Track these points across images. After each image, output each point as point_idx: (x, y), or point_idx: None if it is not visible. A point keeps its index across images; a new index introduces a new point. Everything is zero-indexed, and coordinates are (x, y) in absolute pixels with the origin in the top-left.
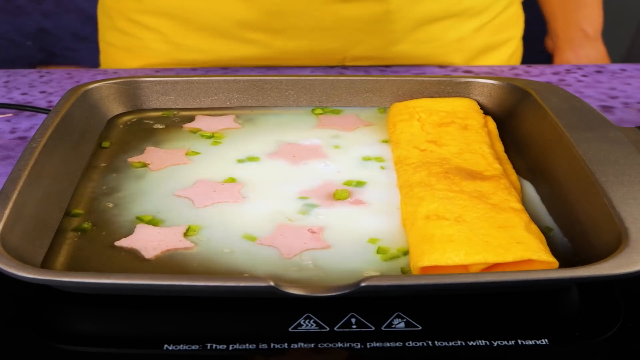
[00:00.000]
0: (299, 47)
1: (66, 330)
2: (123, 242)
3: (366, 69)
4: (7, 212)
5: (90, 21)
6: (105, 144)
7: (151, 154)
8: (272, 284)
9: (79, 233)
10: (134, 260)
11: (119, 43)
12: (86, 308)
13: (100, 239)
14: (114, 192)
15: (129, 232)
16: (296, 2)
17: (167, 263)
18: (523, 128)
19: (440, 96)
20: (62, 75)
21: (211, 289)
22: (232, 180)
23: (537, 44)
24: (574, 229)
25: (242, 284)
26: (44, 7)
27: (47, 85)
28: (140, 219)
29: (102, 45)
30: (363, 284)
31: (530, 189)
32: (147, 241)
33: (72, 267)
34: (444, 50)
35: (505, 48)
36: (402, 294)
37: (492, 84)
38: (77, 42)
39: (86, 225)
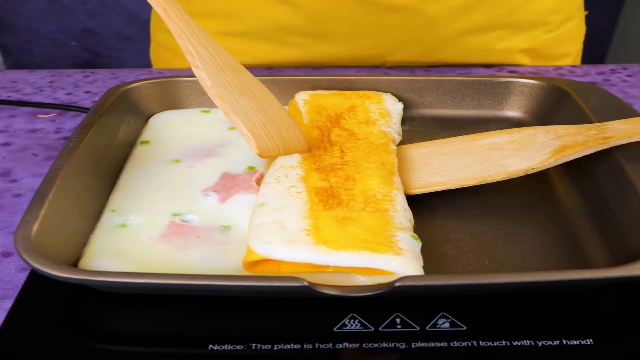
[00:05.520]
0: (339, 52)
1: (109, 330)
2: (160, 240)
3: (411, 69)
4: (42, 211)
5: (134, 21)
6: (145, 142)
7: (187, 151)
8: (306, 283)
9: (117, 231)
10: (171, 258)
11: (166, 44)
12: (128, 307)
13: (137, 236)
14: (151, 189)
15: (166, 229)
16: (339, 10)
17: (203, 261)
18: None
19: (480, 96)
20: (107, 75)
21: (246, 288)
22: (251, 168)
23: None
24: (611, 229)
25: (276, 284)
26: (89, 7)
27: (92, 85)
28: (175, 216)
29: (153, 46)
30: (397, 284)
31: (567, 186)
32: (183, 239)
33: (109, 265)
34: (491, 60)
35: (560, 63)
36: (438, 294)
37: (533, 83)
38: (121, 42)
39: (124, 223)
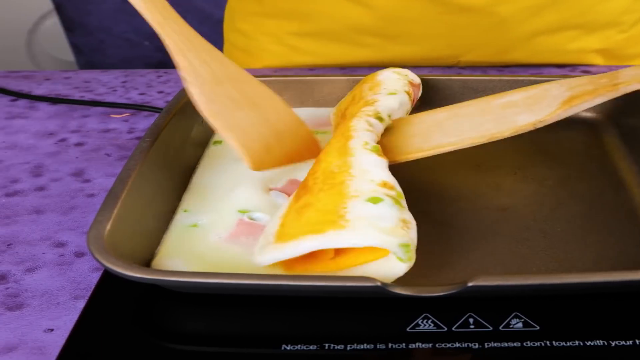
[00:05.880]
0: (412, 53)
1: (182, 330)
2: (230, 240)
3: (484, 69)
4: (115, 211)
5: (208, 21)
6: (218, 142)
7: None
8: (379, 283)
9: (189, 230)
10: (242, 258)
11: (239, 44)
12: (201, 307)
13: (208, 236)
14: (223, 189)
15: (235, 228)
16: (412, 10)
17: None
18: (634, 127)
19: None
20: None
21: (318, 288)
22: None
23: None
24: None
25: (349, 283)
26: None
27: (165, 85)
28: (243, 213)
29: (226, 46)
30: (470, 284)
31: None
32: (252, 239)
33: (182, 265)
34: (563, 60)
35: (634, 63)
36: (511, 294)
37: None
38: None
39: (195, 222)
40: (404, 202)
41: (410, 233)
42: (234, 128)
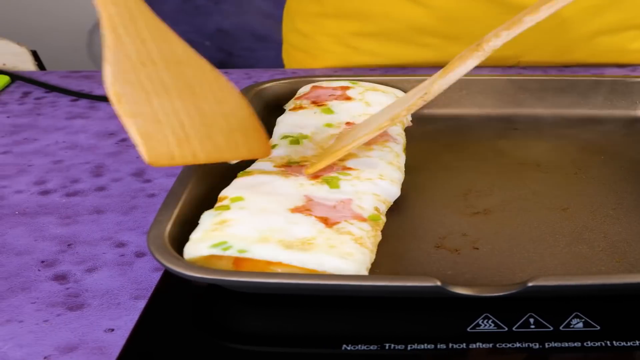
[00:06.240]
0: None
1: (242, 330)
2: None
3: (544, 69)
4: (176, 211)
5: (268, 21)
6: (276, 144)
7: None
8: (439, 283)
9: None
10: None
11: (299, 45)
12: (261, 307)
13: None
14: None
15: None
16: (472, 10)
17: None
18: None
19: (614, 96)
20: (241, 75)
21: (379, 289)
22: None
23: None
24: None
25: (408, 283)
26: (223, 7)
27: None
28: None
29: (285, 47)
30: (530, 284)
31: None
32: None
33: None
34: (624, 60)
35: None
36: (571, 294)
37: None
38: (255, 42)
39: None
40: (239, 203)
41: (227, 229)
42: (140, 115)
